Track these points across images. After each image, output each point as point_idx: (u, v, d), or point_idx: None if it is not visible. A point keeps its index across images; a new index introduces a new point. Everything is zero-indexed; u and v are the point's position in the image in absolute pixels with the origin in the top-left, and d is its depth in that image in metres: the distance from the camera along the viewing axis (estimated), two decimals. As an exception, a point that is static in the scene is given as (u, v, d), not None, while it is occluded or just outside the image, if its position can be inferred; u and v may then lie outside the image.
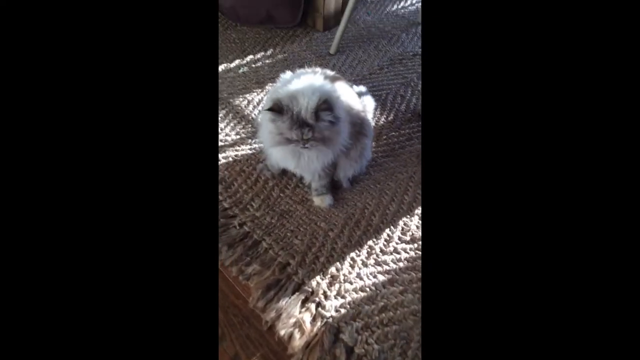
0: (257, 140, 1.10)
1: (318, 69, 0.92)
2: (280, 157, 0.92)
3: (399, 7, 1.71)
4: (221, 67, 1.34)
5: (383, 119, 1.20)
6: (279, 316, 0.76)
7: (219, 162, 1.04)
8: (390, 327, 0.76)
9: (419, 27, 1.59)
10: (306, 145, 0.82)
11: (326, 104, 0.78)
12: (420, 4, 1.70)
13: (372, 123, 1.04)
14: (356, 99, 0.94)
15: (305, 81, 0.84)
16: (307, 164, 0.89)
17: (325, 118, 0.79)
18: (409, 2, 1.74)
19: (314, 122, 0.79)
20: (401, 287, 0.82)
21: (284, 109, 0.79)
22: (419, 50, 1.47)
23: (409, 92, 1.29)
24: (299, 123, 0.79)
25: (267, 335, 0.76)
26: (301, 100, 0.79)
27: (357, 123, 0.93)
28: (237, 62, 1.38)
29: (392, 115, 1.22)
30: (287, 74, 0.91)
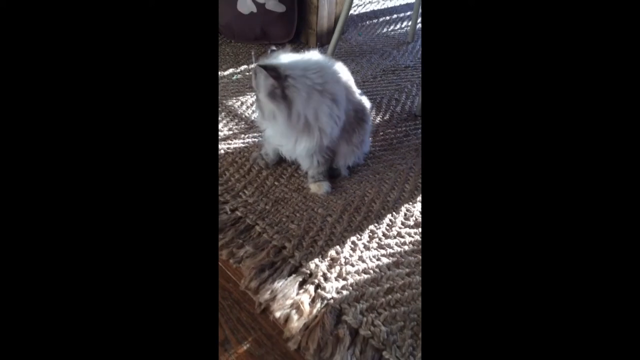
0: (256, 130, 1.07)
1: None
2: (272, 134, 0.88)
3: (389, 29, 1.78)
4: (215, 74, 1.34)
5: (379, 119, 1.18)
6: (274, 298, 0.68)
7: (211, 154, 1.00)
8: (398, 309, 0.68)
9: (409, 45, 1.64)
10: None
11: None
12: (408, 28, 1.77)
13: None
14: (355, 86, 0.93)
15: (310, 56, 0.83)
16: (296, 146, 0.85)
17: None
18: (398, 26, 1.81)
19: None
20: (407, 270, 0.75)
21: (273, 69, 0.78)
22: (411, 63, 1.50)
23: (404, 96, 1.30)
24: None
25: (260, 319, 0.67)
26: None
27: (359, 109, 0.91)
28: (230, 70, 1.38)
29: (387, 115, 1.20)
30: None
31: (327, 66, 0.83)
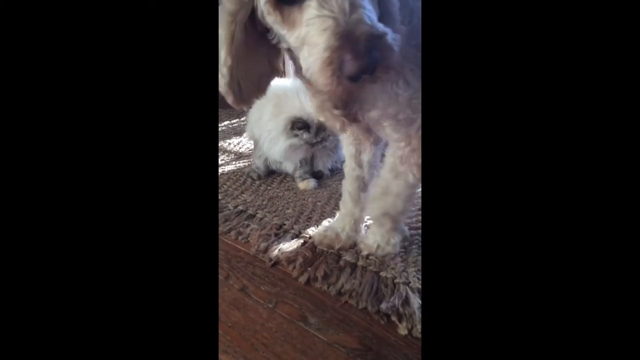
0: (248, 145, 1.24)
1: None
2: (291, 162, 1.08)
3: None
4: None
5: (348, 141, 1.39)
6: (282, 254, 0.79)
7: (208, 176, 1.15)
8: (387, 248, 0.80)
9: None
10: (324, 144, 1.04)
11: None
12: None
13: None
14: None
15: (293, 91, 1.03)
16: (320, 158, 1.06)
17: None
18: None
19: None
20: (391, 225, 0.88)
21: (309, 124, 0.98)
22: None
23: (366, 126, 1.53)
24: (321, 128, 1.00)
25: (272, 270, 0.77)
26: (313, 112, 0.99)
27: None
28: (216, 125, 1.60)
29: (355, 138, 1.42)
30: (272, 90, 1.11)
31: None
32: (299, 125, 0.97)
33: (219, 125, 1.61)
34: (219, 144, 1.39)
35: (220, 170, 1.18)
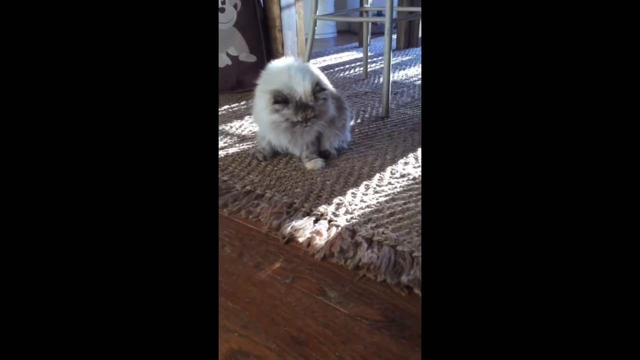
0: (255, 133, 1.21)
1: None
2: (274, 138, 1.04)
3: (345, 74, 2.08)
4: (202, 113, 1.51)
5: (353, 122, 1.37)
6: (295, 231, 0.78)
7: (213, 158, 1.12)
8: (402, 223, 0.79)
9: (365, 80, 1.92)
10: (308, 124, 0.96)
11: (319, 85, 0.95)
12: (361, 71, 2.07)
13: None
14: (328, 81, 1.12)
15: (285, 67, 1.00)
16: (301, 138, 1.01)
17: (321, 97, 0.96)
18: (352, 71, 2.12)
19: (314, 103, 0.95)
20: (403, 202, 0.87)
21: (288, 98, 0.94)
22: (369, 90, 1.76)
23: (369, 108, 1.51)
24: (303, 107, 0.94)
25: (286, 247, 0.75)
26: (297, 88, 0.94)
27: (337, 97, 1.09)
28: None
29: (359, 120, 1.40)
30: (267, 69, 1.08)
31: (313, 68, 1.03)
32: (277, 98, 0.93)
33: (219, 109, 1.58)
34: (221, 128, 1.36)
35: (224, 153, 1.16)
